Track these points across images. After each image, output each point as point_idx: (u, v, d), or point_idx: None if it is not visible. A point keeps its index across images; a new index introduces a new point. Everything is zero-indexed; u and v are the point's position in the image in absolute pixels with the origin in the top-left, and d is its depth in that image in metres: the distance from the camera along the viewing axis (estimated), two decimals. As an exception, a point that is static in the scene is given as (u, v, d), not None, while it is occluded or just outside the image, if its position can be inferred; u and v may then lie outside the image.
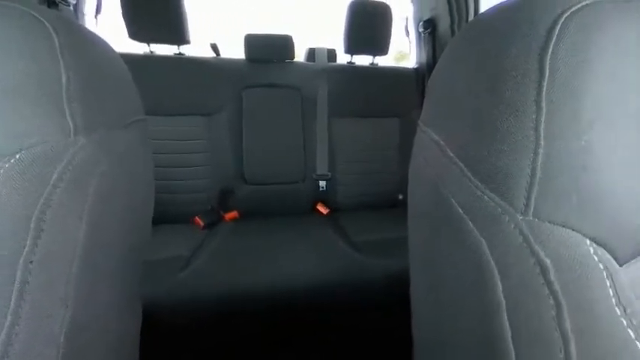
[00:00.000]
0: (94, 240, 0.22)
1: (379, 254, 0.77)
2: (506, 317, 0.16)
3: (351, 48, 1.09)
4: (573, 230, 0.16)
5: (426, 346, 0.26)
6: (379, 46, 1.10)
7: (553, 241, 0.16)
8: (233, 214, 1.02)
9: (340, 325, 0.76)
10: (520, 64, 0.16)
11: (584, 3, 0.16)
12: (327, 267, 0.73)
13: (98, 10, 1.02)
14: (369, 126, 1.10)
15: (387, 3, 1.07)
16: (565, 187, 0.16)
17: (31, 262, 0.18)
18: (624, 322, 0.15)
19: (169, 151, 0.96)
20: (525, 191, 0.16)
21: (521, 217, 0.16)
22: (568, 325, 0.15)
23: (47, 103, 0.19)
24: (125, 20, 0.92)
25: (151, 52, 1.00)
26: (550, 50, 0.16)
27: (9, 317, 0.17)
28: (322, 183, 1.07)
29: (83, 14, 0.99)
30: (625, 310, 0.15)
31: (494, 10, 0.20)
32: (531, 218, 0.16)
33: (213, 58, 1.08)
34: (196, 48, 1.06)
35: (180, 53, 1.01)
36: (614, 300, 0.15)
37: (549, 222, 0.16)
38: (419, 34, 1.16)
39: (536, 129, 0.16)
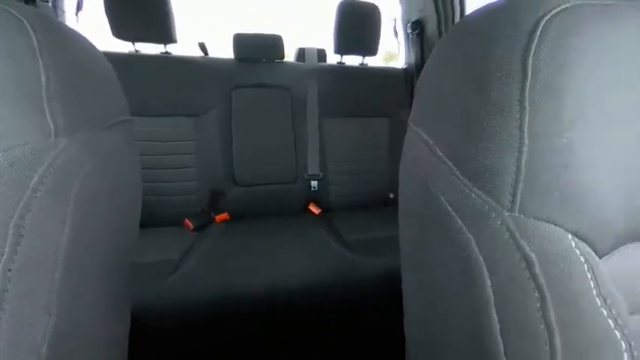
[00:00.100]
0: (77, 245, 0.21)
1: (372, 253, 0.77)
2: (494, 312, 0.17)
3: (341, 48, 1.10)
4: (556, 225, 0.16)
5: (418, 343, 0.26)
6: (368, 46, 1.11)
7: (537, 236, 0.16)
8: (223, 215, 1.00)
9: (336, 325, 0.76)
10: (504, 65, 0.17)
11: (564, 6, 0.17)
12: (321, 267, 0.73)
13: (79, 7, 0.99)
14: (360, 126, 1.11)
15: (376, 4, 1.08)
16: (548, 184, 0.16)
17: (9, 270, 0.17)
18: (604, 313, 0.16)
19: (157, 152, 0.94)
20: (511, 188, 0.17)
21: (507, 214, 0.17)
22: (552, 317, 0.15)
23: (26, 104, 0.18)
24: (108, 18, 0.89)
25: (136, 51, 0.97)
26: (532, 52, 0.16)
27: None
28: (314, 183, 1.07)
29: (63, 11, 0.95)
30: (605, 301, 0.16)
31: (480, 12, 0.20)
32: (517, 214, 0.17)
33: (201, 57, 1.06)
34: (183, 47, 1.04)
35: (166, 52, 0.99)
36: (594, 291, 0.16)
37: (534, 218, 0.16)
38: (407, 35, 1.18)
39: (521, 128, 0.16)
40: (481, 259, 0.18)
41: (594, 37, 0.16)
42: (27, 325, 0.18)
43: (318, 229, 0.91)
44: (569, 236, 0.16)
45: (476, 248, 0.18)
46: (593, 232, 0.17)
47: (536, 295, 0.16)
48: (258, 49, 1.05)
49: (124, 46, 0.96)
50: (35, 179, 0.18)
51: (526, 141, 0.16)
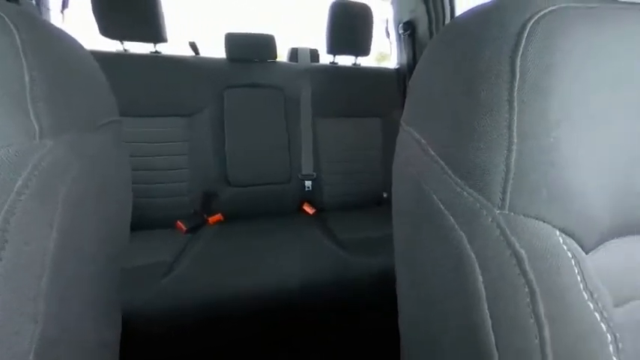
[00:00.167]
0: (65, 249, 0.20)
1: (367, 252, 0.78)
2: (486, 307, 0.17)
3: (334, 48, 1.10)
4: (545, 222, 0.17)
5: (412, 340, 0.27)
6: (361, 46, 1.11)
7: (527, 232, 0.17)
8: (217, 217, 0.99)
9: (332, 325, 0.76)
10: (493, 66, 0.17)
11: (550, 8, 0.17)
12: (316, 267, 0.73)
13: (64, 5, 0.96)
14: (353, 126, 1.12)
15: (368, 4, 1.08)
16: (536, 182, 0.17)
17: None
18: (591, 306, 0.16)
19: (148, 153, 0.92)
20: (501, 187, 0.17)
21: (498, 211, 0.17)
22: (542, 311, 0.16)
23: (9, 104, 0.18)
24: (96, 16, 0.87)
25: (125, 50, 0.95)
26: (520, 53, 0.17)
27: None
28: (308, 183, 1.07)
29: (47, 9, 0.92)
30: (592, 295, 0.16)
31: (469, 14, 0.21)
32: (507, 212, 0.17)
33: (193, 57, 1.04)
34: (173, 47, 1.02)
35: (156, 51, 0.98)
36: (581, 285, 0.16)
37: (523, 215, 0.17)
38: (399, 35, 1.19)
39: (510, 127, 0.17)
40: (473, 256, 0.18)
41: (579, 38, 0.17)
42: (12, 333, 0.17)
43: (312, 229, 0.91)
44: (557, 232, 0.17)
45: (468, 245, 0.18)
46: (580, 229, 0.17)
47: (526, 290, 0.16)
48: (250, 49, 1.04)
49: (112, 45, 0.94)
50: (19, 182, 0.18)
51: (515, 140, 0.17)
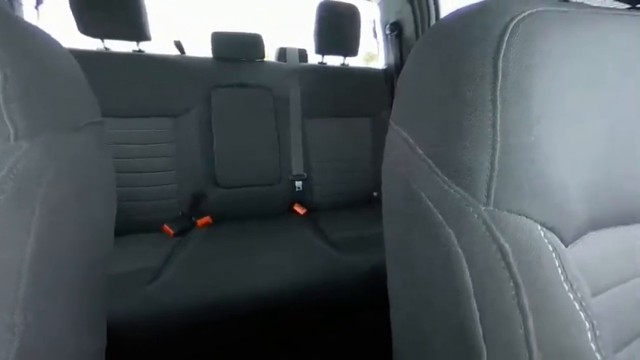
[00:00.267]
0: (44, 256, 0.19)
1: (359, 252, 0.78)
2: (474, 302, 0.18)
3: (322, 48, 1.10)
4: (527, 217, 0.17)
5: (404, 339, 0.27)
6: (349, 46, 1.12)
7: (511, 227, 0.17)
8: (205, 219, 0.97)
9: (325, 325, 0.76)
10: (478, 67, 0.18)
11: (528, 11, 0.18)
12: (308, 267, 0.73)
13: (39, 0, 0.91)
14: (342, 125, 1.12)
15: (355, 5, 1.09)
16: (519, 179, 0.17)
17: None
18: (571, 296, 0.17)
19: (132, 155, 0.90)
20: (486, 184, 0.18)
21: (483, 208, 0.18)
22: (526, 303, 0.16)
23: None
24: (74, 13, 0.83)
25: (106, 48, 0.92)
26: (502, 54, 0.17)
27: None
28: (298, 183, 1.07)
29: (20, 4, 0.88)
30: (572, 286, 0.17)
31: (453, 16, 0.21)
32: (492, 208, 0.18)
33: (178, 56, 1.02)
34: (157, 45, 0.99)
35: (139, 50, 0.95)
36: (562, 277, 0.17)
37: (507, 211, 0.17)
38: (386, 36, 1.20)
39: (494, 126, 0.17)
40: (460, 251, 0.18)
41: (556, 40, 0.18)
42: None
43: (303, 230, 0.91)
44: (539, 227, 0.17)
45: (455, 242, 0.19)
46: (560, 223, 0.18)
47: (511, 283, 0.17)
48: (237, 48, 1.03)
49: (93, 44, 0.91)
50: None
51: (499, 138, 0.17)
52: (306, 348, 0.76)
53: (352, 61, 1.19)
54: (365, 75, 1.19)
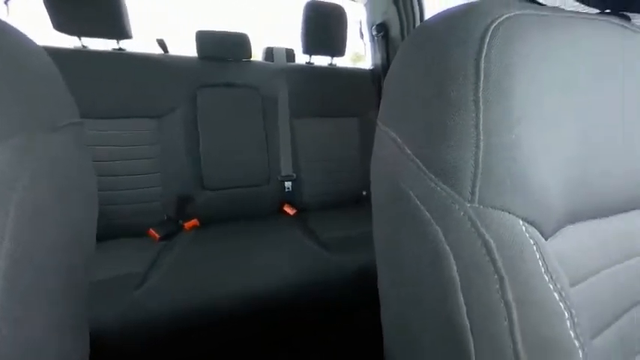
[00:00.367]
0: (20, 263, 0.18)
1: (350, 251, 0.78)
2: (461, 295, 0.18)
3: (309, 48, 1.10)
4: (509, 213, 0.18)
5: (394, 339, 0.27)
6: (336, 47, 1.12)
7: (495, 223, 0.18)
8: (193, 222, 0.95)
9: (318, 325, 0.76)
10: (461, 67, 0.18)
11: (507, 15, 0.19)
12: (299, 268, 0.73)
13: (10, -5, 0.87)
14: (330, 125, 1.13)
15: (341, 5, 1.10)
16: (502, 176, 0.18)
17: None
18: (551, 287, 0.18)
19: (114, 157, 0.86)
20: (471, 181, 0.18)
21: (468, 205, 0.18)
22: (510, 295, 0.17)
23: None
24: (48, 8, 0.79)
25: (84, 46, 0.88)
26: (483, 55, 0.18)
27: None
28: (288, 184, 1.06)
29: (-11, -1, 0.83)
30: (552, 277, 0.18)
31: (437, 18, 0.22)
32: (477, 205, 0.18)
33: (161, 55, 0.99)
34: (138, 42, 0.96)
35: (120, 49, 0.91)
36: (542, 269, 0.18)
37: (491, 207, 0.18)
38: (373, 37, 1.22)
39: (477, 126, 0.18)
40: (447, 248, 0.19)
41: (535, 43, 0.18)
42: None
43: (293, 230, 0.90)
44: (520, 222, 0.18)
45: (443, 238, 0.19)
46: (540, 217, 0.19)
47: (496, 277, 0.17)
48: (223, 48, 1.01)
49: (70, 42, 0.87)
50: None
51: (482, 137, 0.18)
52: (303, 348, 0.76)
53: (340, 62, 1.19)
54: (352, 75, 1.20)
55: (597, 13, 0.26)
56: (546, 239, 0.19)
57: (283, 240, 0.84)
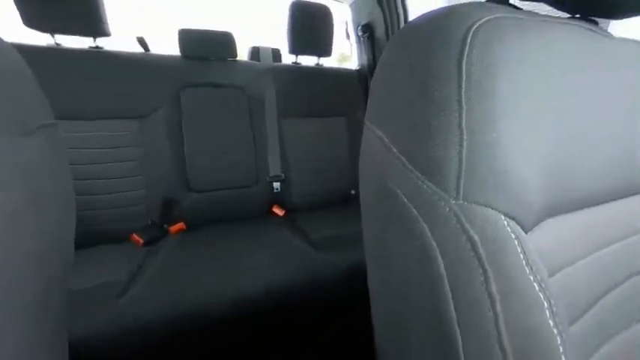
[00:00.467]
0: None
1: (340, 250, 0.79)
2: (448, 289, 0.19)
3: (295, 48, 1.10)
4: (492, 209, 0.19)
5: (383, 332, 0.28)
6: (323, 47, 1.13)
7: (478, 219, 0.19)
8: (179, 225, 0.92)
9: (314, 326, 0.76)
10: (444, 68, 0.19)
11: (486, 18, 0.19)
12: (289, 268, 0.73)
13: (-26, -11, 0.81)
14: (318, 125, 1.13)
15: (327, 5, 1.10)
16: (484, 174, 0.18)
17: None
18: (531, 279, 0.18)
19: (92, 161, 0.82)
20: (455, 179, 0.19)
21: (453, 202, 0.19)
22: (494, 288, 0.18)
23: None
24: (17, 3, 0.75)
25: (57, 44, 0.84)
26: (465, 55, 0.18)
27: None
28: (276, 185, 1.05)
29: (-50, -8, 0.77)
30: (532, 269, 0.19)
31: (421, 19, 0.22)
32: (461, 202, 0.19)
33: (142, 53, 0.96)
34: (116, 37, 0.92)
35: (97, 47, 0.87)
36: (524, 262, 0.19)
37: (475, 203, 0.19)
38: (358, 37, 1.23)
39: (460, 125, 0.18)
40: (434, 244, 0.19)
41: (512, 46, 0.19)
42: None
43: (282, 231, 0.89)
44: (502, 217, 0.19)
45: (429, 235, 0.20)
46: (520, 212, 0.20)
47: (480, 270, 0.18)
48: (206, 47, 0.99)
49: (42, 39, 0.82)
50: None
51: (465, 136, 0.18)
52: (295, 349, 0.75)
53: (326, 62, 1.20)
54: (339, 75, 1.20)
55: (568, 18, 0.27)
56: (526, 233, 0.20)
57: (272, 240, 0.83)
